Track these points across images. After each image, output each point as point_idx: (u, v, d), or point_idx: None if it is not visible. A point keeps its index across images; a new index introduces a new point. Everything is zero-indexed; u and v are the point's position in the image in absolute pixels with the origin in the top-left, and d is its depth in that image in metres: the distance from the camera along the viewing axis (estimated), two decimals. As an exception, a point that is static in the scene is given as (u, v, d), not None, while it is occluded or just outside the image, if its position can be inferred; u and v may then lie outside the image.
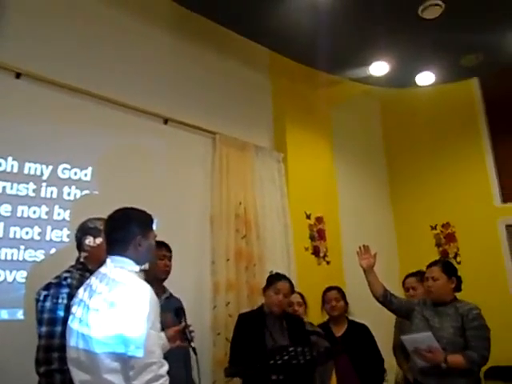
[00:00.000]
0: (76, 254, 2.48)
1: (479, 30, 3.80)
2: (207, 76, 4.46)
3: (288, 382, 2.62)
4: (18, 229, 3.05)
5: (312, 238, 4.81)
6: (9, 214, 3.04)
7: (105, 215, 2.07)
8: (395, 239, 5.87)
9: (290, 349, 2.63)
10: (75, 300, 1.97)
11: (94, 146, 3.51)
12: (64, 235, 3.22)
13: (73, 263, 2.45)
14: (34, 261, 3.07)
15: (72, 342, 1.86)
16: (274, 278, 3.20)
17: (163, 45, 4.19)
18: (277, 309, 3.09)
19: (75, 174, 3.38)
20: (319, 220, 4.90)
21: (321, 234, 4.88)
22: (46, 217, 3.18)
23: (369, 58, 4.17)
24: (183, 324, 2.30)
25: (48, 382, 2.15)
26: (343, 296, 3.64)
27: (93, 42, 3.70)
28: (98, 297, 1.84)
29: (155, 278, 2.98)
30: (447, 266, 2.98)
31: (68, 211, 3.27)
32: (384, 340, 3.67)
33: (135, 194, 3.28)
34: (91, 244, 2.42)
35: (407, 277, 3.71)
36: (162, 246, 3.04)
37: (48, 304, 2.24)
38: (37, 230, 3.13)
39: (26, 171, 3.16)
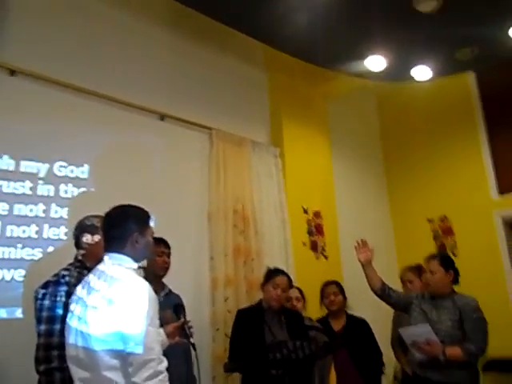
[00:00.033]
0: (74, 251, 2.48)
1: (474, 23, 3.79)
2: (203, 72, 4.45)
3: (287, 376, 2.63)
4: (14, 227, 3.04)
5: (310, 232, 4.82)
6: (6, 213, 3.02)
7: (102, 212, 2.06)
8: (392, 233, 5.89)
9: (289, 344, 2.64)
10: (73, 298, 1.97)
11: (90, 143, 3.50)
12: (61, 233, 3.21)
13: (71, 261, 2.45)
14: (32, 259, 3.07)
15: (71, 339, 1.86)
16: (272, 273, 3.21)
17: (159, 41, 4.18)
18: (275, 303, 3.09)
19: (72, 171, 3.37)
20: (317, 215, 4.91)
21: (318, 229, 4.89)
22: (43, 215, 3.17)
23: (365, 52, 4.16)
24: (182, 320, 2.30)
25: (48, 381, 2.16)
26: (342, 290, 3.65)
27: (89, 40, 3.68)
28: (96, 294, 1.84)
29: (154, 274, 2.99)
30: (445, 260, 3.00)
31: (65, 209, 3.26)
32: (382, 334, 3.69)
33: (132, 190, 3.28)
34: (89, 241, 2.43)
35: (404, 270, 3.72)
36: (161, 242, 3.04)
37: (47, 302, 2.24)
38: (34, 228, 3.12)
39: (22, 169, 3.15)
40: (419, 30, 3.82)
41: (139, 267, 2.01)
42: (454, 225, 5.35)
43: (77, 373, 1.82)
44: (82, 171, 3.42)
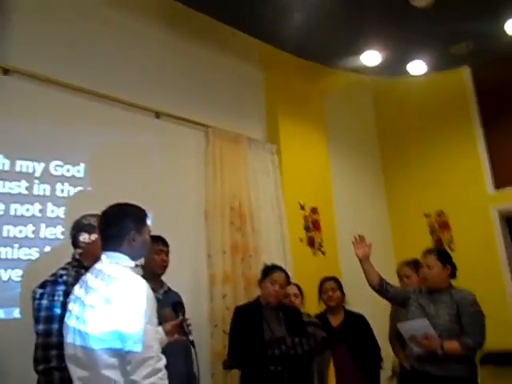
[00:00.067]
0: (71, 251, 2.48)
1: (470, 18, 3.80)
2: (198, 69, 4.44)
3: (286, 372, 2.64)
4: (11, 227, 3.03)
5: (307, 228, 4.83)
6: (2, 213, 3.01)
7: (99, 211, 2.06)
8: (389, 228, 5.90)
9: (288, 340, 2.64)
10: (71, 297, 1.97)
11: (86, 142, 3.48)
12: (58, 232, 3.20)
13: (68, 260, 2.45)
14: (29, 259, 3.06)
15: (69, 338, 1.86)
16: (270, 269, 3.21)
17: (155, 40, 4.16)
18: (273, 300, 3.09)
19: (68, 170, 3.36)
20: (314, 211, 4.91)
21: (316, 225, 4.89)
22: (39, 214, 3.16)
23: (360, 47, 4.16)
24: (181, 318, 2.30)
25: (47, 380, 2.16)
26: (340, 286, 3.66)
27: (85, 39, 3.66)
28: (93, 293, 1.84)
29: (152, 272, 2.99)
30: (442, 254, 3.00)
31: (61, 208, 3.25)
32: (380, 329, 3.70)
33: (129, 189, 3.27)
34: (86, 240, 2.43)
35: (401, 265, 3.73)
36: (159, 240, 3.04)
37: (44, 302, 2.25)
38: (30, 227, 3.11)
39: (17, 169, 3.14)
40: (415, 25, 3.83)
41: (136, 265, 2.01)
42: (450, 219, 5.36)
43: (76, 372, 1.82)
44: (78, 170, 3.41)
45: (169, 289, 3.09)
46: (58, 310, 2.21)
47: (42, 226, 3.16)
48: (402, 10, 3.68)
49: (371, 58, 4.27)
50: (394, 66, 4.51)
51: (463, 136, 5.36)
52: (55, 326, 2.18)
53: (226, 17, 3.77)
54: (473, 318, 2.77)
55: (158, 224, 3.23)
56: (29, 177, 3.17)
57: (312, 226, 4.87)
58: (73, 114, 3.43)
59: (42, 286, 2.30)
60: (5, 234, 3.00)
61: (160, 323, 2.09)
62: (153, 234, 2.33)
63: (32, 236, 3.10)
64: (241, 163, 4.40)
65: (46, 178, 3.24)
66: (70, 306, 1.93)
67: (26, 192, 3.14)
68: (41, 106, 3.30)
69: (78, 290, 1.95)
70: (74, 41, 3.60)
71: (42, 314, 2.23)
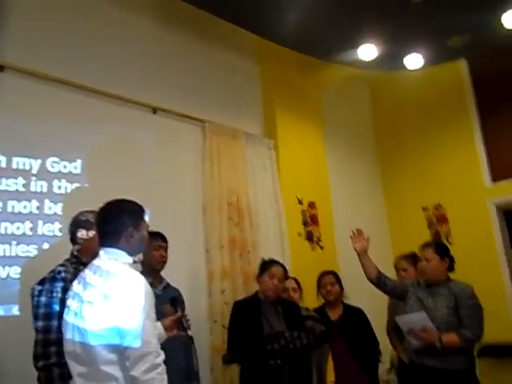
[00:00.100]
0: (69, 247, 2.48)
1: (465, 10, 3.79)
2: (195, 64, 4.43)
3: (285, 366, 2.64)
4: (8, 224, 3.03)
5: (305, 223, 4.83)
6: (-1, 210, 3.01)
7: (97, 208, 2.06)
8: (387, 222, 5.91)
9: (286, 334, 2.65)
10: (70, 293, 1.97)
11: (82, 138, 3.48)
12: (56, 229, 3.20)
13: (67, 257, 2.45)
14: (27, 256, 3.06)
15: (68, 335, 1.87)
16: (268, 264, 3.22)
17: (151, 34, 4.15)
18: (272, 294, 3.10)
19: (65, 167, 3.36)
20: (311, 205, 4.92)
21: (314, 219, 4.90)
22: (36, 211, 3.16)
23: (357, 41, 4.15)
24: (179, 313, 2.30)
25: (47, 376, 2.17)
26: (338, 280, 3.66)
27: (80, 34, 3.65)
28: (92, 289, 1.84)
29: (151, 268, 2.99)
30: (440, 247, 3.01)
31: (59, 205, 3.25)
32: (378, 322, 3.71)
33: (126, 185, 3.27)
34: (84, 237, 2.43)
35: (398, 259, 3.74)
36: (158, 236, 3.04)
37: (43, 299, 2.25)
38: (28, 224, 3.11)
39: (14, 166, 3.13)
40: (411, 18, 3.81)
41: (135, 261, 2.01)
42: (448, 212, 5.37)
43: (75, 368, 1.82)
44: (75, 166, 3.40)
45: (168, 284, 3.10)
46: (56, 307, 2.21)
47: (40, 222, 3.16)
48: (398, 3, 3.67)
49: (368, 51, 4.25)
50: (390, 60, 4.49)
51: (460, 129, 5.36)
52: (54, 323, 2.19)
53: (223, 12, 3.75)
54: (471, 311, 2.77)
55: (155, 220, 3.23)
56: (26, 174, 3.17)
57: (310, 220, 4.87)
58: (69, 111, 3.42)
59: (41, 282, 2.30)
60: (2, 231, 3.00)
61: (159, 319, 2.09)
62: (151, 229, 2.33)
63: (30, 233, 3.10)
64: (238, 158, 4.40)
65: (43, 174, 3.24)
66: (69, 302, 1.93)
67: (23, 189, 3.13)
68: (37, 103, 3.29)
69: (76, 286, 1.95)
70: (70, 37, 3.59)
71: (41, 310, 2.24)
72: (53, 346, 2.15)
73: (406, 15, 3.79)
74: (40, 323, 2.22)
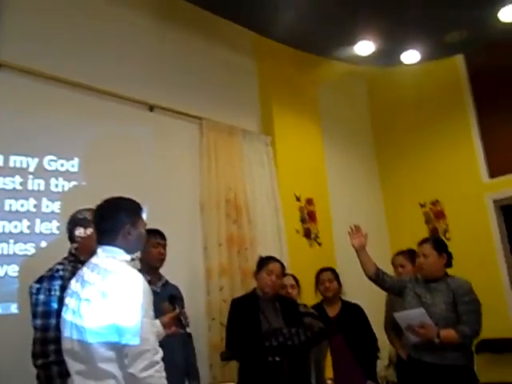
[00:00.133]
0: (67, 245, 2.48)
1: (462, 6, 3.79)
2: (192, 61, 4.42)
3: (284, 363, 2.65)
4: (6, 223, 3.03)
5: (303, 220, 4.83)
6: (-4, 208, 3.01)
7: (94, 206, 2.05)
8: (385, 218, 5.91)
9: (285, 331, 2.65)
10: (68, 291, 1.97)
11: (79, 136, 3.47)
12: (53, 227, 3.20)
13: (65, 255, 2.45)
14: (25, 254, 3.06)
15: (66, 332, 1.87)
16: (265, 260, 3.22)
17: (148, 31, 4.14)
18: (270, 290, 3.10)
19: (62, 165, 3.35)
20: (309, 202, 4.92)
21: (311, 216, 4.90)
22: (34, 210, 3.15)
23: (354, 37, 4.14)
24: (177, 311, 2.30)
25: (46, 375, 2.18)
26: (337, 277, 3.67)
27: (76, 32, 3.64)
28: (90, 287, 1.84)
29: (150, 266, 3.00)
30: (437, 243, 3.01)
31: (56, 203, 3.24)
32: (376, 319, 3.71)
33: (123, 183, 3.26)
34: (81, 235, 2.43)
35: (396, 255, 3.74)
36: (157, 233, 3.05)
37: (41, 297, 2.25)
38: (25, 223, 3.10)
39: (11, 164, 3.13)
40: (408, 13, 3.81)
41: (132, 259, 2.00)
42: (445, 208, 5.37)
43: (73, 366, 1.82)
44: (72, 165, 3.40)
45: (167, 282, 3.11)
46: (55, 305, 2.22)
47: (37, 221, 3.16)
48: (395, -1, 3.68)
49: (365, 47, 4.25)
50: (387, 56, 4.49)
51: (457, 125, 5.36)
52: (53, 321, 2.19)
53: (220, 9, 3.74)
54: (469, 307, 2.77)
55: (153, 217, 3.23)
56: (23, 172, 3.16)
57: (308, 217, 4.87)
58: (66, 108, 3.41)
59: (39, 281, 2.30)
60: (0, 230, 2.99)
61: (157, 316, 2.09)
62: (149, 227, 2.33)
63: (27, 231, 3.10)
64: (235, 155, 4.40)
65: (40, 172, 3.24)
66: (67, 300, 1.93)
67: (20, 187, 3.13)
68: (34, 101, 3.28)
69: (74, 284, 1.95)
70: (67, 35, 3.58)
71: (40, 308, 2.24)
72: (51, 344, 2.16)
73: (403, 11, 3.79)
74: (38, 321, 2.22)
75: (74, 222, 2.48)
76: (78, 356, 1.80)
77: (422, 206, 5.55)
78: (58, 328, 2.01)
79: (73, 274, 2.13)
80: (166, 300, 2.47)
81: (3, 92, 3.16)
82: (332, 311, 3.59)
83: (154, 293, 2.74)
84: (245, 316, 3.03)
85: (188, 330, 2.29)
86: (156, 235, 3.04)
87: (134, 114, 3.84)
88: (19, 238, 3.06)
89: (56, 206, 3.24)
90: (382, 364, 3.91)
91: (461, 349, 2.75)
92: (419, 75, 5.11)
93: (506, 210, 5.02)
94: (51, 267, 2.36)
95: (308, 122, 5.23)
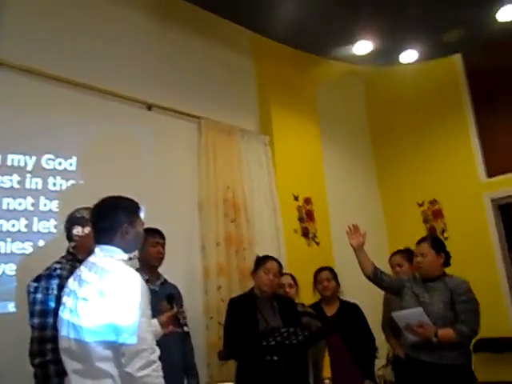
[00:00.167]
0: (65, 244, 2.48)
1: (461, 5, 3.79)
2: (191, 61, 4.42)
3: (282, 362, 2.65)
4: (4, 221, 3.03)
5: (301, 219, 4.83)
6: (-6, 207, 3.00)
7: (92, 205, 2.05)
8: (383, 217, 5.92)
9: (283, 330, 2.65)
10: (65, 290, 1.96)
11: (77, 135, 3.47)
12: (51, 226, 3.20)
13: (63, 254, 2.45)
14: (22, 253, 3.05)
15: (63, 331, 1.86)
16: (263, 259, 3.22)
17: (146, 31, 4.14)
18: (268, 289, 3.10)
19: (60, 164, 3.35)
20: (307, 201, 4.92)
21: (309, 216, 4.90)
22: (31, 208, 3.15)
23: (352, 36, 4.14)
24: (175, 310, 2.30)
25: (43, 373, 2.18)
26: (335, 276, 3.66)
27: (75, 31, 3.64)
28: (87, 286, 1.83)
29: (149, 264, 3.00)
30: (435, 242, 3.01)
31: (54, 202, 3.24)
32: (374, 318, 3.72)
33: (122, 182, 3.26)
34: (79, 234, 2.43)
35: (393, 254, 3.75)
36: (155, 232, 3.05)
37: (39, 296, 2.25)
38: (23, 221, 3.10)
39: (9, 163, 3.12)
40: (407, 13, 3.81)
41: (130, 258, 2.00)
42: (443, 208, 5.38)
43: (70, 365, 1.82)
44: (70, 163, 3.39)
45: (165, 281, 3.11)
46: (52, 304, 2.22)
47: (35, 219, 3.15)
48: (393, -2, 3.68)
49: (363, 47, 4.25)
50: (385, 55, 4.50)
51: (455, 124, 5.37)
52: (50, 320, 2.19)
53: (218, 8, 3.74)
54: (467, 306, 2.78)
55: (151, 216, 3.23)
56: (21, 170, 3.16)
57: (306, 216, 4.87)
58: (64, 107, 3.41)
59: (37, 279, 2.30)
60: (-3, 229, 2.99)
61: (155, 315, 2.09)
62: (146, 226, 2.33)
63: (25, 230, 3.10)
64: (234, 154, 4.39)
65: (38, 171, 3.23)
66: (64, 299, 1.93)
67: (18, 186, 3.13)
68: (32, 100, 3.28)
69: (71, 283, 1.94)
70: (64, 34, 3.57)
71: (37, 307, 2.24)
72: (49, 343, 2.16)
73: (401, 10, 3.79)
74: (36, 320, 2.22)
75: (71, 221, 2.48)
76: (75, 355, 1.80)
77: (420, 205, 5.56)
78: (55, 327, 2.01)
79: (71, 272, 2.13)
80: (164, 299, 2.47)
81: (2, 91, 3.15)
82: (330, 310, 3.58)
83: (153, 292, 2.75)
84: (242, 315, 3.02)
85: (186, 329, 2.29)
86: (155, 234, 3.04)
87: (132, 114, 3.84)
88: (17, 236, 3.05)
89: (54, 205, 3.24)
90: (379, 363, 3.91)
91: (459, 348, 2.75)
92: (417, 75, 5.12)
93: (504, 209, 5.04)
94: (49, 266, 2.36)
95: (306, 122, 5.23)
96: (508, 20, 3.93)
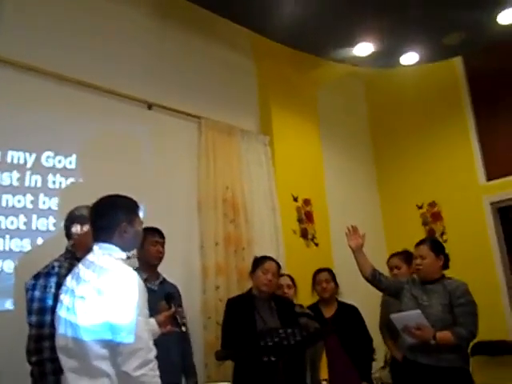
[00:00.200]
0: (64, 242, 2.48)
1: (462, 8, 3.79)
2: (191, 60, 4.42)
3: (279, 362, 2.64)
4: (2, 218, 3.02)
5: (300, 220, 4.83)
6: (-7, 204, 3.00)
7: (91, 203, 2.05)
8: (381, 219, 5.92)
9: (280, 330, 2.64)
10: (63, 288, 1.96)
11: (78, 133, 3.47)
12: (50, 224, 3.19)
13: (62, 252, 2.44)
14: (21, 250, 3.05)
15: (61, 329, 1.86)
16: (261, 260, 3.22)
17: (147, 30, 4.13)
18: (266, 289, 3.10)
19: (59, 161, 3.34)
20: (307, 202, 4.92)
21: (308, 217, 4.90)
22: (31, 206, 3.14)
23: (353, 38, 4.14)
24: (173, 309, 2.29)
25: (40, 371, 2.17)
26: (334, 278, 3.66)
27: (75, 28, 3.63)
28: (85, 284, 1.83)
29: (148, 263, 3.00)
30: (435, 244, 3.01)
31: (53, 199, 3.24)
32: (372, 320, 3.71)
33: (121, 180, 3.25)
34: (78, 232, 2.43)
35: (391, 256, 3.74)
36: (155, 231, 3.06)
37: (37, 293, 2.25)
38: (22, 219, 3.09)
39: (9, 160, 3.12)
40: (407, 15, 3.81)
41: (128, 257, 2.00)
42: (443, 210, 5.38)
43: (67, 363, 1.81)
44: (70, 161, 3.39)
45: (164, 280, 3.11)
46: (50, 302, 2.21)
47: (34, 217, 3.15)
48: (395, 0, 3.67)
49: (364, 49, 4.26)
50: (386, 57, 4.50)
51: (455, 127, 5.37)
52: (48, 318, 2.18)
53: (219, 8, 3.74)
54: (465, 308, 2.78)
55: (150, 215, 3.23)
56: (20, 168, 3.15)
57: (305, 217, 4.87)
58: (64, 105, 3.41)
59: (35, 277, 2.30)
60: (-4, 226, 2.99)
61: (152, 315, 2.08)
62: (145, 225, 2.32)
63: (24, 227, 3.09)
64: (234, 154, 4.39)
65: (38, 168, 3.23)
66: (62, 297, 1.92)
67: (17, 183, 3.12)
68: (32, 97, 3.27)
69: (69, 281, 1.94)
70: (65, 31, 3.57)
71: (35, 305, 2.23)
72: (46, 340, 2.15)
73: (402, 12, 3.79)
74: (34, 318, 2.21)
75: (71, 219, 2.48)
76: (72, 353, 1.79)
77: (420, 207, 5.56)
78: (52, 325, 2.00)
79: (69, 270, 2.12)
80: (162, 298, 2.46)
81: (2, 88, 3.14)
82: (328, 312, 3.58)
83: (152, 291, 2.76)
84: (240, 315, 3.02)
85: (184, 328, 2.28)
86: (154, 233, 3.05)
87: (132, 112, 3.83)
88: (15, 233, 3.05)
89: (53, 203, 3.23)
90: (377, 365, 3.91)
91: (456, 351, 2.75)
92: (417, 77, 5.12)
93: (503, 213, 5.04)
94: (48, 264, 2.35)
95: (306, 123, 5.23)
96: (509, 23, 3.93)
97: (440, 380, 2.72)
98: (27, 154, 3.19)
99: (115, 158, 3.60)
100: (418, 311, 2.78)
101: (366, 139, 6.18)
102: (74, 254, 2.39)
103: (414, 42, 4.27)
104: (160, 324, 2.20)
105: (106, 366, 1.73)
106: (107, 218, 1.94)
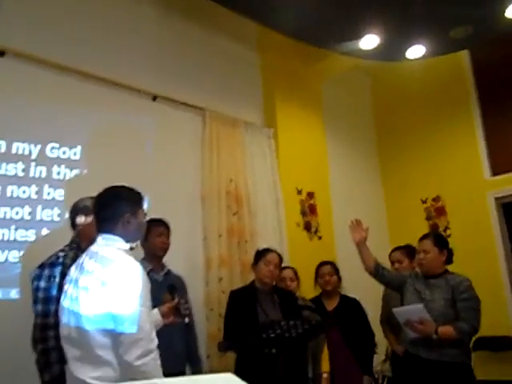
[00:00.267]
0: (68, 232, 2.50)
1: (469, 1, 3.76)
2: (196, 52, 4.41)
3: (280, 355, 2.66)
4: (8, 209, 3.04)
5: (303, 213, 4.83)
6: (-2, 194, 3.01)
7: (95, 194, 2.06)
8: (385, 213, 5.91)
9: (282, 323, 2.66)
10: (67, 278, 1.97)
11: (82, 125, 3.47)
12: (55, 215, 3.21)
13: (67, 243, 2.46)
14: (26, 241, 3.07)
15: (64, 319, 1.87)
16: (263, 252, 3.23)
17: (152, 21, 4.13)
18: (269, 280, 3.11)
19: (64, 152, 3.35)
20: (310, 195, 4.92)
21: (312, 210, 4.90)
22: (35, 196, 3.16)
23: (359, 31, 4.12)
24: (176, 300, 2.31)
25: (45, 360, 2.19)
26: (336, 271, 3.67)
27: (80, 19, 3.62)
28: (88, 275, 1.84)
29: (153, 254, 3.01)
30: (438, 239, 3.01)
31: (58, 190, 3.25)
32: (374, 313, 3.73)
33: (125, 172, 3.27)
34: (82, 222, 2.44)
35: (393, 250, 3.75)
36: (160, 223, 3.07)
37: (43, 283, 2.27)
38: (27, 209, 3.11)
39: (13, 151, 3.13)
40: (414, 8, 3.79)
41: (131, 248, 2.01)
42: (447, 205, 5.38)
43: (70, 351, 1.83)
44: (75, 152, 3.40)
45: (169, 271, 3.12)
46: (55, 291, 2.23)
47: (39, 208, 3.16)
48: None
49: (370, 42, 4.23)
50: (393, 51, 4.47)
51: (461, 121, 5.35)
52: (53, 307, 2.20)
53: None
54: (468, 303, 2.77)
55: (154, 207, 3.24)
56: (25, 159, 3.16)
57: (308, 210, 4.87)
58: (69, 96, 3.41)
59: (41, 267, 2.32)
60: (1, 216, 3.01)
61: (155, 306, 2.10)
62: (149, 217, 2.33)
63: (28, 218, 3.11)
64: (238, 147, 4.39)
65: (43, 160, 3.24)
66: (66, 287, 1.94)
67: (22, 174, 3.13)
68: (37, 88, 3.28)
69: (73, 271, 1.95)
70: (70, 22, 3.56)
71: (40, 295, 2.26)
72: (51, 329, 2.17)
73: (409, 5, 3.77)
74: (39, 307, 2.24)
75: (75, 210, 2.50)
76: (75, 342, 1.81)
77: (424, 202, 5.55)
78: (57, 314, 2.02)
79: (74, 261, 2.13)
80: (167, 289, 2.48)
81: (7, 78, 3.15)
82: (330, 305, 3.59)
83: (156, 282, 2.77)
84: (243, 307, 3.04)
85: (187, 319, 2.29)
86: (160, 224, 3.06)
87: (137, 104, 3.84)
88: (20, 224, 3.07)
89: (57, 194, 3.24)
90: (378, 359, 3.92)
91: (459, 346, 2.75)
92: (423, 70, 5.09)
93: (508, 208, 5.02)
94: (53, 254, 2.37)
95: (311, 115, 5.22)
96: (517, 17, 3.91)
97: (441, 375, 2.72)
98: (32, 145, 3.20)
99: (119, 150, 3.61)
100: (421, 305, 2.79)
101: (371, 133, 6.16)
102: (79, 245, 2.41)
103: (421, 35, 4.24)
104: (163, 315, 2.21)
105: (108, 355, 1.74)
106: (111, 209, 1.95)
